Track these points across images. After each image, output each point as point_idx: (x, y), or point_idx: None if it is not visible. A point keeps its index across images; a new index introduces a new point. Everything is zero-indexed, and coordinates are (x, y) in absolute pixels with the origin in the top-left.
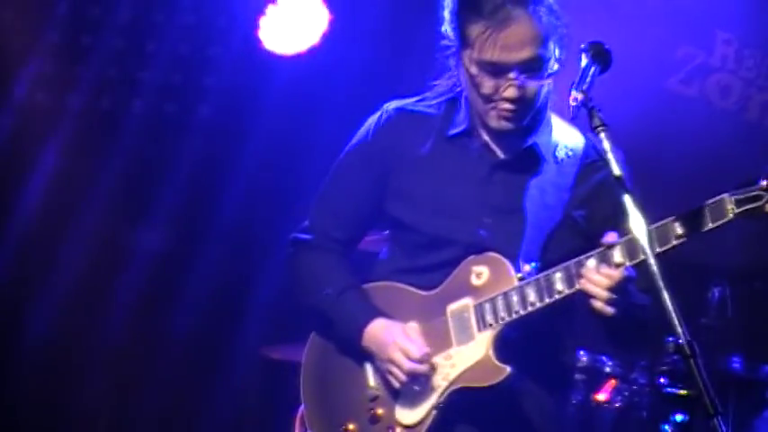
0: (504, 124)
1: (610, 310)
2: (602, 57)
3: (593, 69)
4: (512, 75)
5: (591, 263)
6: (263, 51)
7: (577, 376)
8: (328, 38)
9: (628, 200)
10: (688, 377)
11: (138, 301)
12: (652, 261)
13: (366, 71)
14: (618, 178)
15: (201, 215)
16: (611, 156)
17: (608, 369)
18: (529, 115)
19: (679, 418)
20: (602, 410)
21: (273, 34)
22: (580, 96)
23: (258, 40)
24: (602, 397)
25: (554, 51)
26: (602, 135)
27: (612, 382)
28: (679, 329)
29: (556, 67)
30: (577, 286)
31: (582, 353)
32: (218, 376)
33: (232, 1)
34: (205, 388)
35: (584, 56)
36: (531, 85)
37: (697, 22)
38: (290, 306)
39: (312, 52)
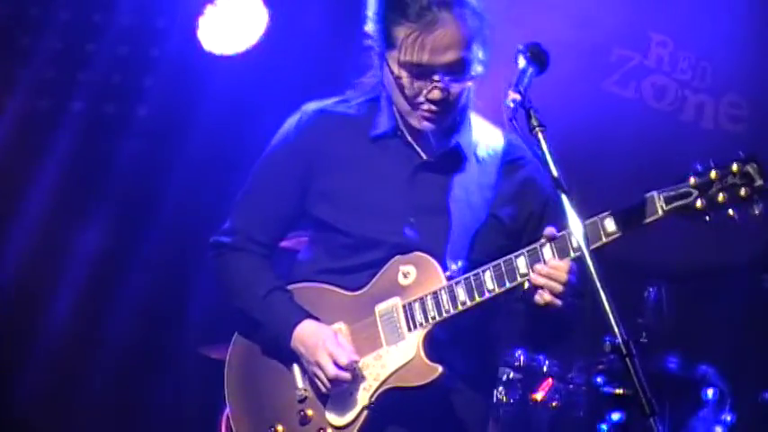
0: (427, 125)
1: (558, 302)
2: (539, 58)
3: (530, 70)
4: (436, 77)
5: (547, 254)
6: (202, 52)
7: (514, 375)
8: (267, 38)
9: (565, 200)
10: (624, 377)
11: (77, 299)
12: (587, 256)
13: (305, 71)
14: (555, 179)
15: (140, 215)
16: (549, 156)
17: (545, 368)
18: (451, 116)
19: (615, 417)
20: (539, 410)
21: (212, 35)
22: (517, 97)
23: (197, 41)
24: (539, 396)
25: (477, 53)
26: (540, 135)
27: (549, 381)
28: (616, 329)
29: (480, 68)
30: (531, 276)
31: (519, 352)
32: (157, 376)
33: (171, 2)
34: (144, 387)
35: (521, 57)
36: (455, 88)
37: (632, 25)
38: (227, 305)
39: (251, 52)
